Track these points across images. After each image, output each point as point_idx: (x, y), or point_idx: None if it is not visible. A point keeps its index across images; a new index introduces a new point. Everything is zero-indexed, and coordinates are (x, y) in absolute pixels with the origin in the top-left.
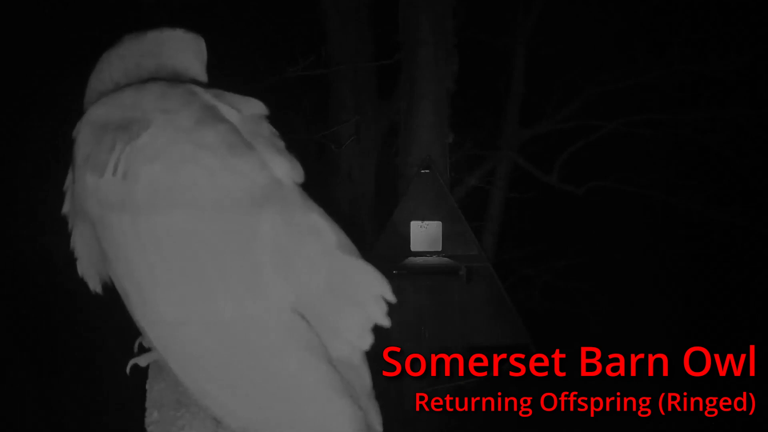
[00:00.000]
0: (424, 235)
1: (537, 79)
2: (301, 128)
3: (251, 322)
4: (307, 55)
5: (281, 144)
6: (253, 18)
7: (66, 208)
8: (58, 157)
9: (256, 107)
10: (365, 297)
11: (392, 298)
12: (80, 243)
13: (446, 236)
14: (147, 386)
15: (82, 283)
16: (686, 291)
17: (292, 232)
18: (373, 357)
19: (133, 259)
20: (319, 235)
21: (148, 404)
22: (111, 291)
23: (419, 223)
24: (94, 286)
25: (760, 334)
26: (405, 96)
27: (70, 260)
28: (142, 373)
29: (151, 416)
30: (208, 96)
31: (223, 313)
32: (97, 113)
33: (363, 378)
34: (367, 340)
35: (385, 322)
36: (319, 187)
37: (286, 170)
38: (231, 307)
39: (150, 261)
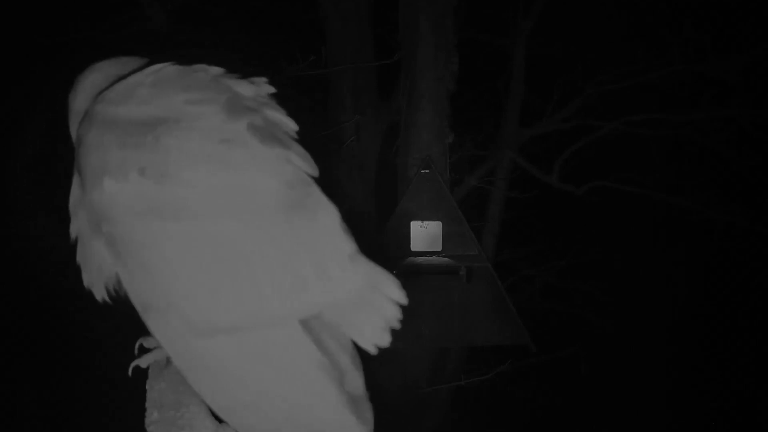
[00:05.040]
0: (424, 235)
1: (537, 79)
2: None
3: (298, 326)
4: (307, 55)
5: (295, 128)
6: (253, 18)
7: (74, 219)
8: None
9: (266, 87)
10: (383, 300)
11: (405, 302)
12: (90, 255)
13: (446, 236)
14: (147, 386)
15: (82, 284)
16: (686, 291)
17: (326, 234)
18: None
19: (168, 266)
20: (344, 238)
21: (148, 404)
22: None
23: (419, 223)
24: (101, 295)
25: (760, 334)
26: (405, 96)
27: (70, 260)
28: (142, 374)
29: (151, 416)
30: (227, 78)
31: (278, 313)
32: (107, 111)
33: (357, 380)
34: (386, 339)
35: (398, 325)
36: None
37: (307, 163)
38: (282, 307)
39: (192, 268)
